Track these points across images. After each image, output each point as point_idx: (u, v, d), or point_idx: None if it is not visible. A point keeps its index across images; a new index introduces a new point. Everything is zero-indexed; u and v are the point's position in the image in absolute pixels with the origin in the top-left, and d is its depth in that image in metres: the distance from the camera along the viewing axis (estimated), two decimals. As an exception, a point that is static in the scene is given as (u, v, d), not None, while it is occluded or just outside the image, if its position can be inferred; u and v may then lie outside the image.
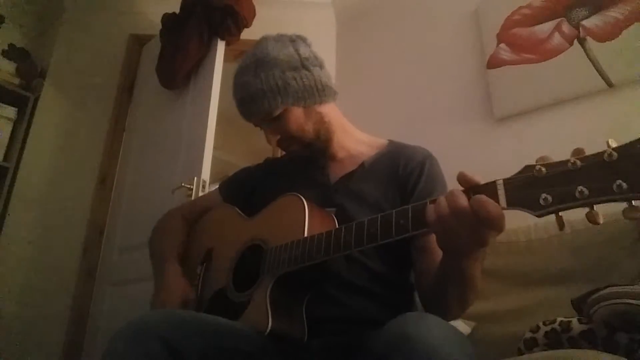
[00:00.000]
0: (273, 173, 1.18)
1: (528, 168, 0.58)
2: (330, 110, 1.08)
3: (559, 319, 1.06)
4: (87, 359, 2.11)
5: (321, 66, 1.05)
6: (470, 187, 0.64)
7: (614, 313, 0.93)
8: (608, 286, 1.00)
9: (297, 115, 1.01)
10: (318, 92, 1.03)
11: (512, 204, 0.59)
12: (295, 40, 1.05)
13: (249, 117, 1.04)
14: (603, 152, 0.52)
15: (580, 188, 0.53)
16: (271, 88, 0.97)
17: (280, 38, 1.05)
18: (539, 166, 0.57)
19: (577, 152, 0.55)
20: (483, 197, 0.59)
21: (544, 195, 0.55)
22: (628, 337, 0.92)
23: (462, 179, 0.64)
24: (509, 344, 1.15)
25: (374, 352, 0.62)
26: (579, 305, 1.07)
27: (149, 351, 0.66)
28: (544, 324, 1.08)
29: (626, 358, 0.85)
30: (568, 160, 0.55)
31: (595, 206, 0.53)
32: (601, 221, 0.53)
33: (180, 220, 1.21)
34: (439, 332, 0.58)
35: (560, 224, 0.56)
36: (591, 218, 0.53)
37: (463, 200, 0.62)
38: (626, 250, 1.23)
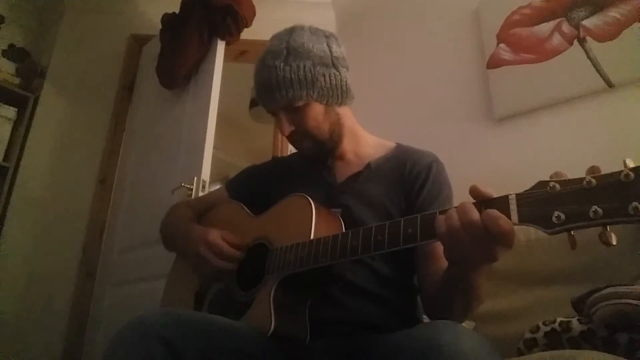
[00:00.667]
0: (280, 172, 1.18)
1: (542, 184, 0.57)
2: (347, 114, 1.09)
3: (559, 319, 1.06)
4: (87, 359, 2.11)
5: (347, 68, 1.05)
6: (482, 201, 0.62)
7: (614, 313, 0.93)
8: (608, 286, 1.00)
9: (317, 111, 1.01)
10: (341, 94, 1.03)
11: (524, 219, 0.58)
12: (329, 36, 1.06)
13: (269, 103, 1.02)
14: (619, 172, 0.51)
15: (594, 208, 0.51)
16: (299, 79, 0.97)
17: (315, 31, 1.05)
18: (553, 183, 0.56)
19: (593, 170, 0.54)
20: (495, 211, 0.59)
21: (556, 213, 0.54)
22: (628, 337, 0.92)
23: (475, 191, 0.63)
24: (509, 344, 1.15)
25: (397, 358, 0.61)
26: (579, 305, 1.07)
27: (150, 351, 0.66)
28: (544, 324, 1.08)
29: (626, 358, 0.85)
30: (583, 179, 0.53)
31: (608, 227, 0.52)
32: (614, 242, 0.51)
33: (188, 209, 1.21)
34: (470, 342, 0.58)
35: (572, 242, 0.55)
36: (604, 239, 0.52)
37: (474, 214, 0.61)
38: (626, 250, 1.23)
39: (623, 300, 0.93)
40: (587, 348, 0.96)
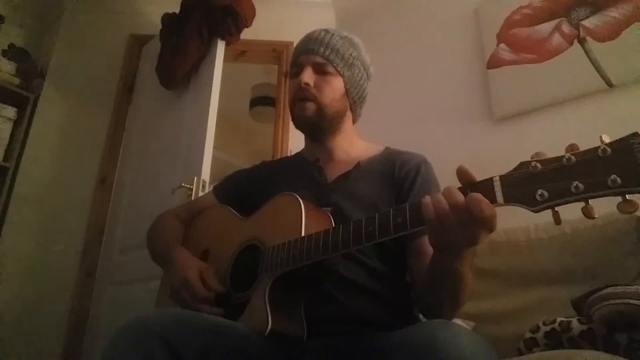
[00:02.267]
0: (269, 174, 1.18)
1: (523, 164, 0.59)
2: (350, 118, 1.15)
3: (559, 319, 1.06)
4: (87, 359, 2.11)
5: (368, 93, 1.16)
6: (467, 184, 0.64)
7: (614, 313, 0.93)
8: (608, 286, 1.00)
9: (338, 87, 1.08)
10: (359, 95, 1.13)
11: (508, 200, 0.60)
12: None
13: (307, 52, 1.09)
14: (597, 148, 0.53)
15: (575, 183, 0.54)
16: (343, 54, 1.08)
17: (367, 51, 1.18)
18: (534, 162, 0.58)
19: (572, 147, 0.56)
20: (478, 195, 0.60)
21: (540, 191, 0.56)
22: (628, 337, 0.92)
23: (462, 172, 0.65)
24: (509, 344, 1.16)
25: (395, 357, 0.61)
26: (579, 305, 1.07)
27: (149, 351, 0.66)
28: (544, 324, 1.08)
29: (626, 358, 0.85)
30: (563, 156, 0.56)
31: (590, 201, 0.54)
32: (596, 215, 0.54)
33: (175, 220, 1.21)
34: (466, 341, 0.58)
35: (557, 219, 0.57)
36: (587, 212, 0.54)
37: (459, 196, 0.63)
38: (626, 250, 1.23)
39: (623, 300, 0.93)
40: (587, 348, 0.96)
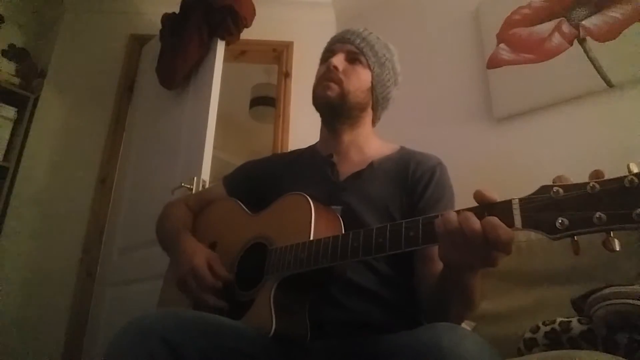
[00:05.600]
0: (280, 168, 1.17)
1: (545, 188, 0.57)
2: (370, 116, 1.15)
3: (559, 319, 1.06)
4: (87, 359, 2.11)
5: (394, 99, 1.19)
6: (485, 205, 0.63)
7: (614, 313, 0.93)
8: (608, 286, 1.00)
9: (366, 79, 1.10)
10: (382, 96, 1.14)
11: (527, 225, 0.58)
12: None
13: (342, 40, 1.12)
14: (623, 178, 0.51)
15: (598, 214, 0.51)
16: (377, 51, 1.12)
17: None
18: (556, 188, 0.56)
19: (596, 174, 0.54)
20: (495, 220, 0.59)
21: (560, 219, 0.54)
22: (628, 337, 0.92)
23: (479, 195, 0.64)
24: (509, 344, 1.15)
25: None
26: (579, 305, 1.07)
27: (151, 351, 0.66)
28: (544, 324, 1.08)
29: (626, 358, 0.85)
30: (587, 184, 0.53)
31: (612, 233, 0.52)
32: (618, 248, 0.51)
33: (184, 208, 1.21)
34: (471, 344, 0.58)
35: (576, 248, 0.55)
36: (608, 245, 0.52)
37: (475, 224, 0.61)
38: (626, 250, 1.23)
39: (623, 300, 0.93)
40: (587, 348, 0.96)
